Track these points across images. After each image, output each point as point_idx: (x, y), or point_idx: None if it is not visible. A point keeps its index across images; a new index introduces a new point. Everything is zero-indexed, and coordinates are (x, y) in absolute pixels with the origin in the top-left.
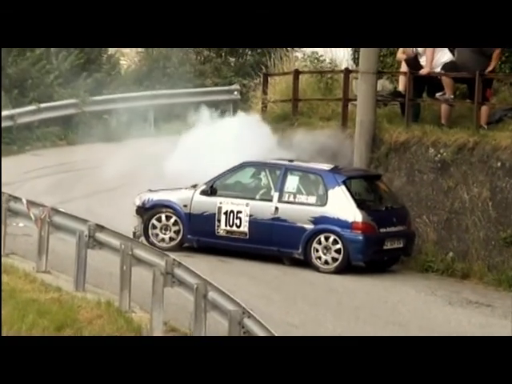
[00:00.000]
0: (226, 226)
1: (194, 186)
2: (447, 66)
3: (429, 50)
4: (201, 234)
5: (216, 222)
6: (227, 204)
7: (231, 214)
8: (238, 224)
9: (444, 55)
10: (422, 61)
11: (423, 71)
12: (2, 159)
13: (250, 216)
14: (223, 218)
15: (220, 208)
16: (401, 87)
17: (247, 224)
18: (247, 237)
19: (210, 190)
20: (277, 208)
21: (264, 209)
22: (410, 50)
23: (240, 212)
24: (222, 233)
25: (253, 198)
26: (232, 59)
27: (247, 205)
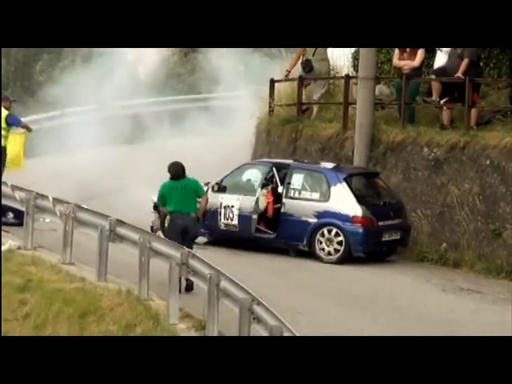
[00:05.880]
0: (223, 219)
1: (207, 184)
2: (438, 72)
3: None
4: (210, 228)
5: (218, 216)
6: (226, 199)
7: (227, 209)
8: (231, 217)
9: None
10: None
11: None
12: (31, 160)
13: (239, 210)
14: (222, 211)
15: (221, 203)
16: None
17: (237, 217)
18: (237, 229)
19: (218, 187)
20: (283, 203)
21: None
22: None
23: (233, 206)
24: (222, 226)
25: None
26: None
27: (238, 199)
